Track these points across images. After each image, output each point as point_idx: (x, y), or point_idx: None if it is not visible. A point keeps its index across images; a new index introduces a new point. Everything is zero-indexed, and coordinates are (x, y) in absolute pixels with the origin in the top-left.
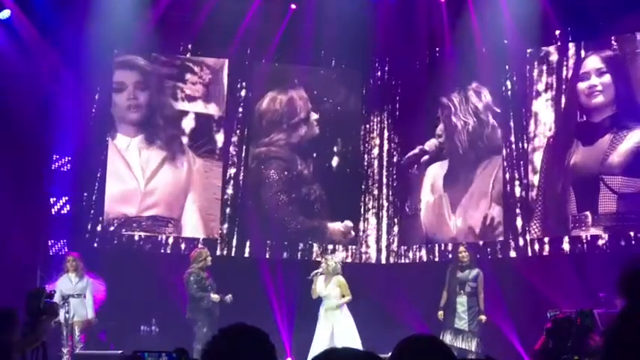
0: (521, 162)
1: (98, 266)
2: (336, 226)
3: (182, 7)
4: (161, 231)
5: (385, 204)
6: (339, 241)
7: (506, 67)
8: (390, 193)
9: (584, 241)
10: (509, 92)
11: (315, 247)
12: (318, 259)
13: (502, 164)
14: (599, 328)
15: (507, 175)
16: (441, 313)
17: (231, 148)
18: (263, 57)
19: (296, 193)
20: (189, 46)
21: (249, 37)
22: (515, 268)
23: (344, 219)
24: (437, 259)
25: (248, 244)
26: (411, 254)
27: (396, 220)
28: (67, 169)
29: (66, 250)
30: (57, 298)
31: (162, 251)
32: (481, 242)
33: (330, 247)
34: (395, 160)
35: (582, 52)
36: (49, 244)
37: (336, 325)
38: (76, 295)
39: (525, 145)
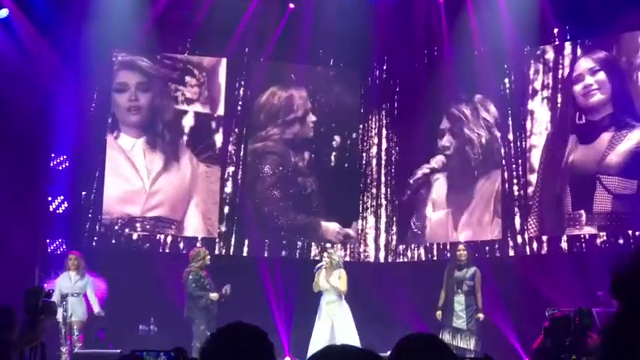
0: (520, 160)
1: (97, 265)
2: (331, 225)
3: (180, 6)
4: (164, 232)
5: (384, 202)
6: (333, 240)
7: (505, 66)
8: (389, 192)
9: (583, 239)
10: (508, 91)
11: (314, 245)
12: (317, 257)
13: (501, 165)
14: (598, 326)
15: (506, 174)
16: (439, 313)
17: (230, 147)
18: (261, 56)
19: (292, 188)
20: (188, 45)
21: (247, 36)
22: (513, 266)
23: (341, 218)
24: (435, 258)
25: (246, 242)
26: (409, 253)
27: (394, 218)
28: (64, 166)
29: (64, 247)
30: (56, 297)
31: (160, 251)
32: (479, 240)
33: (328, 245)
34: (393, 158)
35: (579, 51)
36: (48, 242)
37: (336, 321)
38: (75, 294)
39: (524, 143)
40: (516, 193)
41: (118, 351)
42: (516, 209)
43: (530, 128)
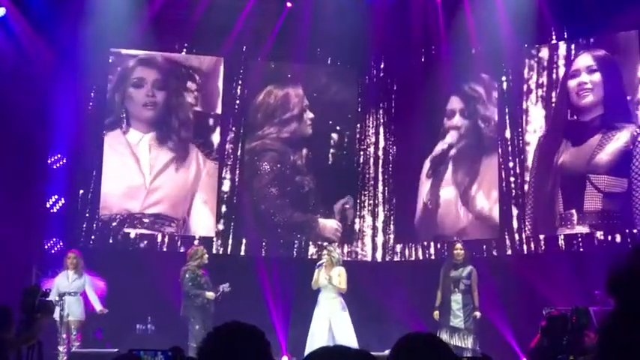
0: (517, 159)
1: (94, 264)
2: (328, 222)
3: (177, 5)
4: (163, 230)
5: (381, 201)
6: (331, 238)
7: (502, 65)
8: (387, 191)
9: (580, 238)
10: (505, 90)
11: (312, 244)
12: (314, 257)
13: (498, 162)
14: (595, 325)
15: (503, 173)
16: (436, 313)
17: (227, 146)
18: (259, 55)
19: (289, 186)
20: (185, 44)
21: (244, 35)
22: (511, 265)
23: (337, 216)
24: (433, 257)
25: (244, 241)
26: (407, 252)
27: (392, 218)
28: (61, 163)
29: (61, 246)
30: (53, 296)
31: (158, 249)
32: (476, 238)
33: (326, 243)
34: (391, 157)
35: (574, 51)
36: (45, 241)
37: (334, 320)
38: (72, 293)
39: (520, 142)
40: (513, 192)
41: (116, 350)
42: (514, 208)
43: (526, 127)
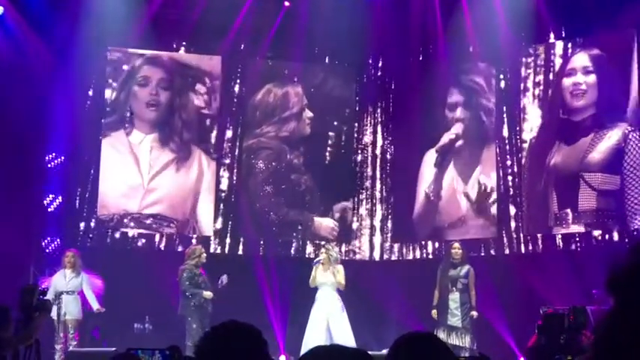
0: (515, 157)
1: (92, 263)
2: (324, 221)
3: (175, 4)
4: (162, 230)
5: (379, 200)
6: (328, 237)
7: (499, 63)
8: (384, 190)
9: (577, 238)
10: (503, 89)
11: (309, 243)
12: (311, 256)
13: (495, 160)
14: (592, 325)
15: (501, 172)
16: (434, 312)
17: (225, 145)
18: (257, 54)
19: (285, 184)
20: (183, 43)
21: (242, 34)
22: (508, 264)
23: (334, 215)
24: (431, 256)
25: (242, 241)
26: (404, 251)
27: (389, 217)
28: (58, 161)
29: (58, 244)
30: (50, 295)
31: (156, 249)
32: (474, 237)
33: (322, 242)
34: (388, 156)
35: (571, 50)
36: (43, 240)
37: (332, 319)
38: (69, 292)
39: (518, 141)
40: (511, 190)
41: (113, 349)
42: (511, 206)
43: (523, 126)
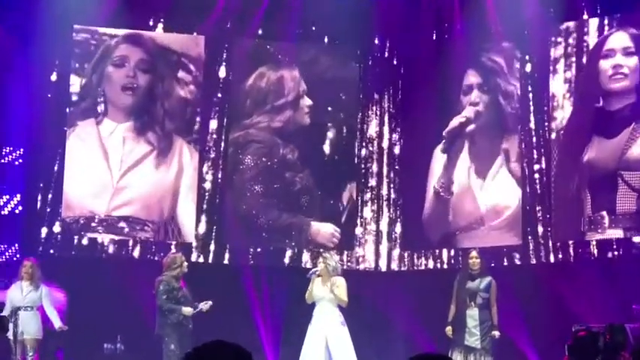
0: (542, 152)
1: (55, 274)
2: (323, 227)
3: None
4: (135, 235)
5: (386, 202)
6: (326, 244)
7: (524, 44)
8: (392, 190)
9: (615, 244)
10: (528, 73)
11: (305, 252)
12: (309, 265)
13: (520, 154)
14: (632, 345)
15: (526, 169)
16: (449, 329)
17: (209, 137)
18: (245, 33)
19: (277, 183)
20: (161, 20)
21: (228, 11)
22: (535, 276)
23: (334, 219)
24: (446, 267)
25: (228, 248)
26: (415, 260)
27: (398, 221)
28: (16, 156)
29: (16, 250)
30: (6, 311)
31: (129, 257)
32: (495, 245)
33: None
34: (397, 150)
35: (607, 27)
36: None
37: (331, 338)
38: (27, 307)
39: (546, 133)
40: (538, 190)
41: None
42: (539, 209)
43: (552, 115)
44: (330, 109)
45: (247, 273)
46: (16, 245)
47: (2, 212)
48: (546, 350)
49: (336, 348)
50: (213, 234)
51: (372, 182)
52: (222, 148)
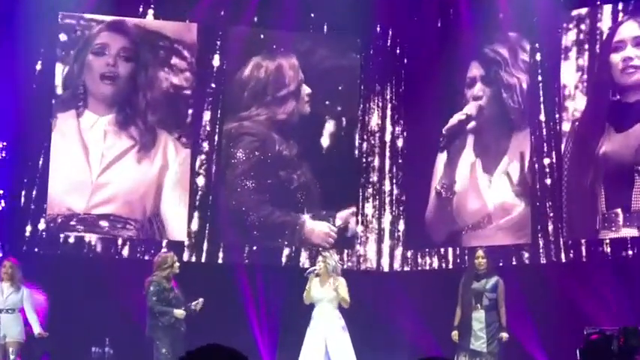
0: (552, 143)
1: (40, 273)
2: (318, 226)
3: None
4: (116, 233)
5: (388, 199)
6: (321, 244)
7: (533, 32)
8: (395, 186)
9: (630, 243)
10: (539, 63)
11: (303, 251)
12: (307, 265)
13: (530, 148)
14: None
15: (536, 165)
16: (455, 333)
17: (202, 132)
18: (239, 20)
19: (270, 179)
20: (151, 6)
21: None
22: (545, 276)
23: (333, 217)
24: (451, 266)
25: (222, 247)
26: (419, 259)
27: (401, 218)
28: (2, 156)
29: (0, 254)
30: None
31: (118, 256)
32: (502, 244)
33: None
34: (400, 144)
35: (621, 15)
36: None
37: (330, 341)
38: (8, 310)
39: (557, 126)
40: (549, 187)
41: None
42: (549, 206)
43: (563, 108)
44: (329, 101)
45: (242, 273)
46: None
47: None
48: (557, 354)
49: (336, 354)
50: (207, 232)
51: (374, 177)
52: (215, 143)
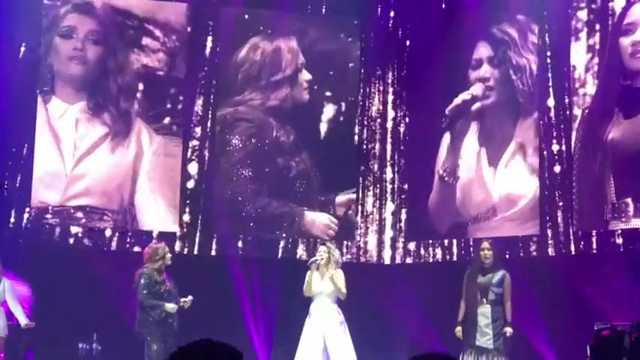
0: (562, 130)
1: (23, 267)
2: (318, 217)
3: None
4: (92, 225)
5: (390, 188)
6: (321, 236)
7: (544, 13)
8: (397, 175)
9: None
10: (548, 45)
11: (300, 242)
12: (303, 257)
13: (538, 135)
14: None
15: (545, 152)
16: (459, 329)
17: (194, 118)
18: (232, 2)
19: (268, 167)
20: None
21: None
22: (554, 268)
23: (332, 207)
24: (455, 259)
25: (215, 238)
26: (422, 251)
27: (403, 208)
28: None
29: None
30: None
31: (105, 249)
32: (508, 235)
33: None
34: (401, 130)
35: None
36: None
37: (329, 337)
38: None
39: (567, 112)
40: (558, 176)
41: None
42: (558, 195)
43: (573, 94)
44: (327, 85)
45: (236, 265)
46: None
47: None
48: (566, 351)
49: (334, 350)
50: (199, 223)
51: (374, 166)
52: (208, 129)
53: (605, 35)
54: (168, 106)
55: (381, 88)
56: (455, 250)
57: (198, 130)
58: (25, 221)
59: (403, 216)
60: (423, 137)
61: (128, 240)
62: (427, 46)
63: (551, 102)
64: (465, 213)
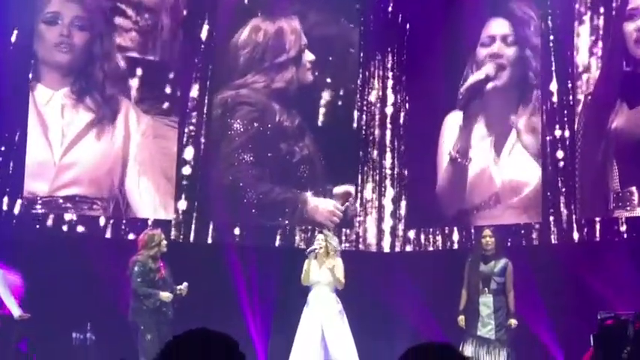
0: (565, 115)
1: (15, 255)
2: (322, 203)
3: None
4: (82, 214)
5: (389, 174)
6: (324, 223)
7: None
8: (397, 161)
9: None
10: (551, 29)
11: (298, 230)
12: (302, 246)
13: (540, 121)
14: None
15: (548, 138)
16: (461, 318)
17: (190, 104)
18: None
19: (270, 152)
20: None
21: None
22: (556, 257)
23: (331, 193)
24: (456, 247)
25: (211, 226)
26: (422, 239)
27: (403, 195)
28: None
29: None
30: None
31: (99, 237)
32: (510, 222)
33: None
34: (402, 115)
35: None
36: None
37: (327, 327)
38: None
39: (570, 99)
40: (561, 163)
41: None
42: (560, 182)
43: (576, 79)
44: (325, 70)
45: (233, 253)
46: None
47: None
48: (569, 340)
49: (333, 339)
50: (195, 210)
51: (374, 152)
52: (204, 114)
53: (609, 19)
54: (164, 91)
55: (381, 73)
56: (455, 237)
57: (194, 115)
58: (17, 209)
59: (403, 203)
60: (423, 123)
61: (123, 227)
62: (427, 31)
63: (554, 86)
64: (469, 199)
